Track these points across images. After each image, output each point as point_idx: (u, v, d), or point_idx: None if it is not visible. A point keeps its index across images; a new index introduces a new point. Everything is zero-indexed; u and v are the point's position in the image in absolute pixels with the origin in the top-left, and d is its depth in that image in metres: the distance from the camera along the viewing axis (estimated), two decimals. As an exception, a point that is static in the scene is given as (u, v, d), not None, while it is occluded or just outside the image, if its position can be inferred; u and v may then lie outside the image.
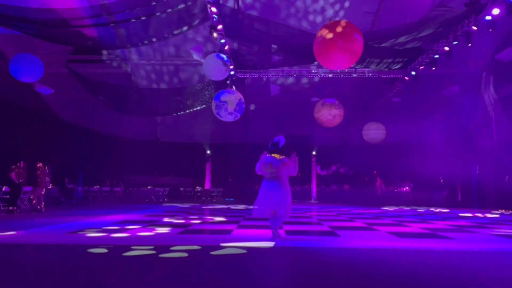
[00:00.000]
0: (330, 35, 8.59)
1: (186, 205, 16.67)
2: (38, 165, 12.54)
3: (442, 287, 3.47)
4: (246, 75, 16.63)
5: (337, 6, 13.22)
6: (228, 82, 15.42)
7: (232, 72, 15.42)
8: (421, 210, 15.11)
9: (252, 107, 17.97)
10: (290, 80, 17.86)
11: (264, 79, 17.53)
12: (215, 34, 12.26)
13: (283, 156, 6.20)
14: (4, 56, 13.87)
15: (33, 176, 12.55)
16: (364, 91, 17.45)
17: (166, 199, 21.03)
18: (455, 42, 12.70)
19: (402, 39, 12.30)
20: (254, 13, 12.83)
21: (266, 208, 6.04)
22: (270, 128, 21.24)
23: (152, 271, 3.88)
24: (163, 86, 17.56)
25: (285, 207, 5.98)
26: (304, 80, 17.78)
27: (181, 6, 11.03)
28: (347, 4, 13.12)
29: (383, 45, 12.64)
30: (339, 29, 8.58)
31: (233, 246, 5.44)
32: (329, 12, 13.28)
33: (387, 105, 18.32)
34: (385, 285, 3.47)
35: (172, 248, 5.14)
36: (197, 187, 22.64)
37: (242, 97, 14.70)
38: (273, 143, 6.36)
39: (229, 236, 6.58)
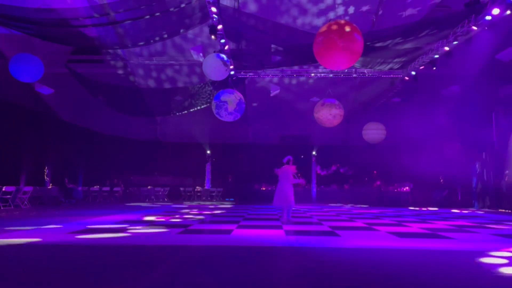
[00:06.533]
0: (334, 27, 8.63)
1: (185, 205, 16.66)
2: None
3: (442, 287, 3.47)
4: (246, 75, 16.62)
5: (338, 7, 13.20)
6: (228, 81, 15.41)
7: (232, 72, 15.42)
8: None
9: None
10: (290, 80, 17.86)
11: (264, 79, 17.54)
12: (213, 37, 12.27)
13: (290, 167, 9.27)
14: (4, 56, 13.87)
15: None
16: (364, 91, 17.46)
17: (166, 199, 21.03)
18: (455, 42, 12.70)
19: (402, 39, 12.30)
20: (254, 13, 12.82)
21: (281, 203, 9.10)
22: (270, 128, 21.30)
23: (154, 270, 3.89)
24: (163, 86, 17.56)
25: (291, 202, 9.07)
26: (304, 80, 17.78)
27: (181, 6, 11.03)
28: (347, 5, 13.11)
29: (383, 45, 12.64)
30: (340, 32, 8.57)
31: (234, 246, 5.44)
32: (329, 12, 13.27)
33: (387, 105, 18.32)
34: (385, 285, 3.47)
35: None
36: (197, 187, 22.63)
37: (242, 97, 14.69)
38: (285, 161, 9.39)
39: (229, 236, 6.59)
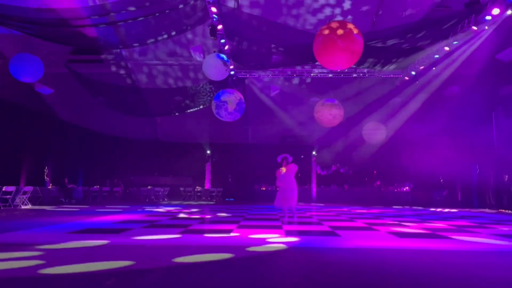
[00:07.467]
0: (326, 32, 8.64)
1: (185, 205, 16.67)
2: None
3: (441, 287, 3.47)
4: (246, 75, 16.62)
5: (337, 8, 13.20)
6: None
7: (232, 72, 15.42)
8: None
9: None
10: (290, 80, 17.86)
11: (264, 79, 17.54)
12: (213, 37, 12.31)
13: (289, 165, 8.93)
14: (4, 56, 13.88)
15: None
16: (364, 91, 17.46)
17: (166, 199, 21.04)
18: (455, 42, 12.71)
19: (402, 39, 12.30)
20: (254, 13, 12.82)
21: (283, 203, 8.95)
22: (270, 128, 21.30)
23: (154, 270, 3.89)
24: (163, 86, 17.57)
25: (294, 202, 8.94)
26: (305, 80, 17.79)
27: (182, 6, 11.03)
28: (347, 4, 13.11)
29: (383, 45, 12.64)
30: (340, 32, 8.58)
31: (235, 246, 5.45)
32: (329, 12, 13.27)
33: (387, 105, 18.33)
34: (385, 285, 3.47)
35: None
36: (197, 187, 22.64)
37: (242, 97, 14.70)
38: (280, 160, 9.07)
39: (229, 236, 6.58)
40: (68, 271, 3.81)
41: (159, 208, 14.26)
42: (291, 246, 5.39)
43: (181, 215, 10.98)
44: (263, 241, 5.88)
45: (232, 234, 6.72)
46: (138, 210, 12.90)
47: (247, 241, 5.92)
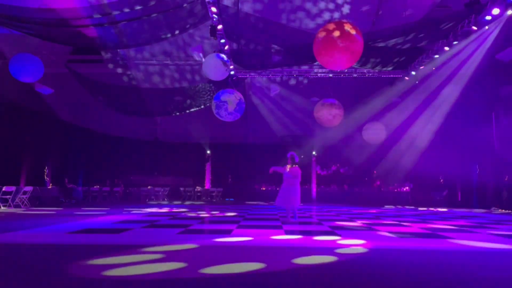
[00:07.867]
0: (336, 33, 8.63)
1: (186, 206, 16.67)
2: None
3: (442, 287, 3.47)
4: (246, 75, 16.62)
5: (337, 9, 13.19)
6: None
7: (232, 72, 15.42)
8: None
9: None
10: (290, 80, 17.87)
11: (264, 79, 17.54)
12: (213, 38, 12.32)
13: (295, 166, 9.09)
14: (4, 56, 13.89)
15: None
16: (364, 91, 17.47)
17: (166, 199, 21.04)
18: (455, 42, 12.70)
19: (402, 39, 12.30)
20: (254, 13, 12.82)
21: (285, 203, 9.08)
22: (270, 128, 21.33)
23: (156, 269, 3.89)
24: (163, 86, 17.57)
25: (296, 202, 9.06)
26: (304, 80, 17.80)
27: (181, 6, 11.03)
28: (347, 4, 13.11)
29: (383, 45, 12.64)
30: (339, 32, 8.59)
31: (234, 246, 5.45)
32: (329, 12, 13.26)
33: (387, 105, 18.34)
34: (385, 285, 3.46)
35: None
36: (197, 187, 22.64)
37: (242, 97, 14.71)
38: (289, 156, 9.16)
39: (230, 236, 6.58)
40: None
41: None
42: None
43: (189, 215, 10.99)
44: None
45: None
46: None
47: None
